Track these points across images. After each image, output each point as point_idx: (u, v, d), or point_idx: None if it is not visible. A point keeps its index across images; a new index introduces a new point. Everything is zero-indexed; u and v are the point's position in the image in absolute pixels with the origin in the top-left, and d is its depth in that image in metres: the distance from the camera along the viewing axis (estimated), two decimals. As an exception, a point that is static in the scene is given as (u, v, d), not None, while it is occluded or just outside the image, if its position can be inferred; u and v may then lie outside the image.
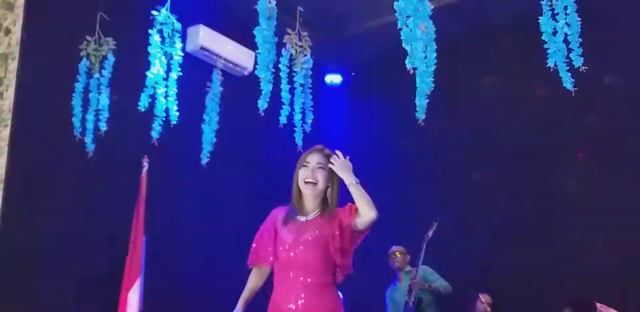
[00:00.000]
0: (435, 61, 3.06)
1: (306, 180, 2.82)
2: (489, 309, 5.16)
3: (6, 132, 4.09)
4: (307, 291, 2.74)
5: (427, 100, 3.10)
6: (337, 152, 2.79)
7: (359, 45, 6.47)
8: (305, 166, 2.85)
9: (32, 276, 4.25)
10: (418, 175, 6.34)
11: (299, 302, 2.73)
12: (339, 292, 2.88)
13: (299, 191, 2.85)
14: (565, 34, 2.96)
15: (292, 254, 2.79)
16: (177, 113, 4.27)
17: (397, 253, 5.45)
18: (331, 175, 2.82)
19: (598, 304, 4.43)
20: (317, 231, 2.79)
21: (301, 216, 2.86)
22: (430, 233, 4.98)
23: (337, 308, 2.79)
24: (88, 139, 4.36)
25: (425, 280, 5.22)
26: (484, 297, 5.18)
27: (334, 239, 2.76)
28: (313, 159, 2.85)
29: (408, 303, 5.09)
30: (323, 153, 2.86)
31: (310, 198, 2.85)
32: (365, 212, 2.68)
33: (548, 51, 2.98)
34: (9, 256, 4.09)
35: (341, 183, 2.82)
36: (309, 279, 2.76)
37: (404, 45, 3.11)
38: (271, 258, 2.86)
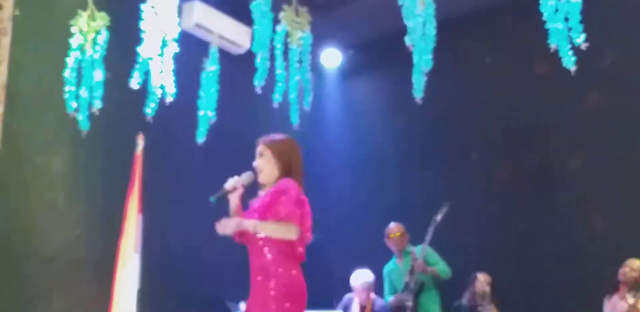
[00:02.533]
0: (435, 38, 3.00)
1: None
2: (488, 288, 5.14)
3: (-1, 110, 4.02)
4: (255, 269, 2.88)
5: (426, 78, 3.04)
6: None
7: (357, 23, 6.36)
8: None
9: (23, 256, 4.22)
10: (416, 155, 6.29)
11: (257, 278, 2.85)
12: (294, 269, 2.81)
13: None
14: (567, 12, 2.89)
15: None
16: (174, 90, 4.20)
17: (399, 234, 5.40)
18: (274, 156, 3.01)
19: None
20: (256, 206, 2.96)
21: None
22: (439, 217, 4.96)
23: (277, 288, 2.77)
24: (82, 117, 4.29)
25: (425, 261, 5.18)
26: (483, 277, 5.17)
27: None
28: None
29: (410, 285, 5.07)
30: (261, 142, 3.09)
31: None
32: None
33: (549, 30, 2.92)
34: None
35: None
36: (254, 256, 2.91)
37: (405, 21, 3.04)
38: None
